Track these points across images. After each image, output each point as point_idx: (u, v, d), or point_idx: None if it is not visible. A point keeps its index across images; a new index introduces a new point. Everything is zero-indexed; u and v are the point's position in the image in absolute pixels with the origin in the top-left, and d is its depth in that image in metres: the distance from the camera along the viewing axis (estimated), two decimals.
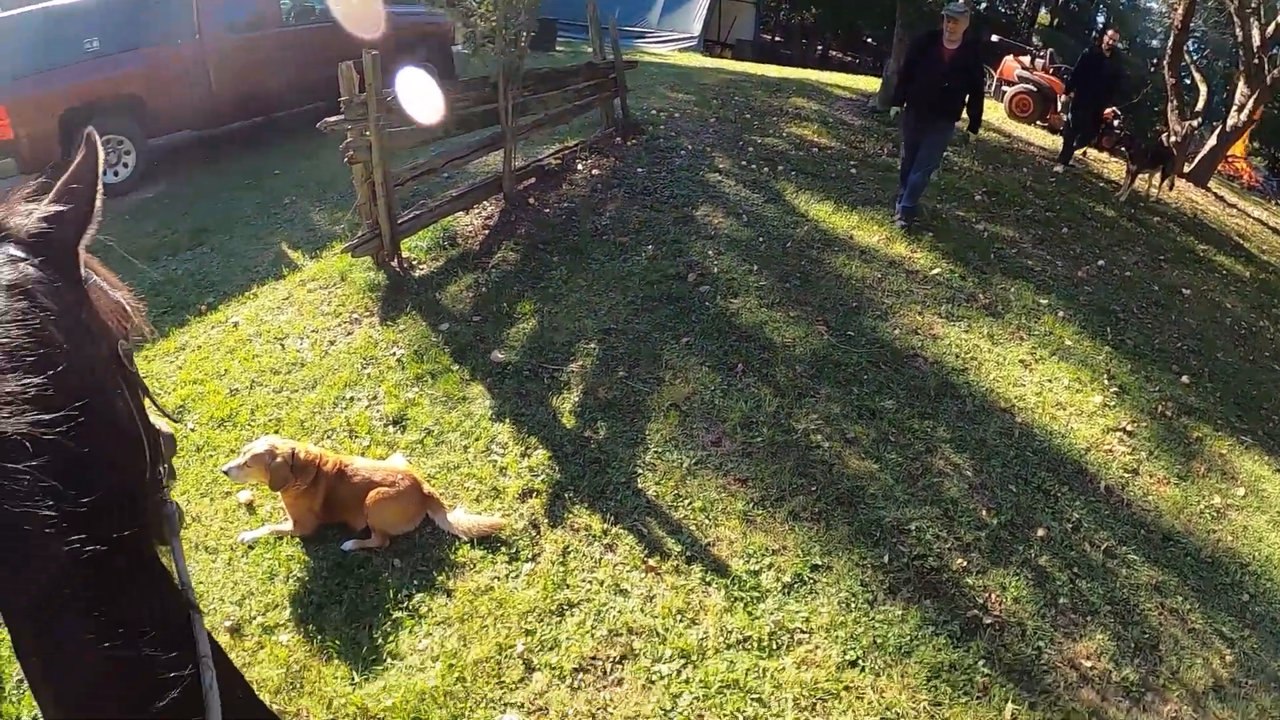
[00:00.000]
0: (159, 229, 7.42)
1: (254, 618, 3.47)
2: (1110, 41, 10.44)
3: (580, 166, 7.53)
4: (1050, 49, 13.36)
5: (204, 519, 3.96)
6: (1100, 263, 7.60)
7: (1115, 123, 10.25)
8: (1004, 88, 13.11)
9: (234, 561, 3.72)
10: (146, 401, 1.30)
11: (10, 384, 0.94)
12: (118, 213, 8.00)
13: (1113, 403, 5.47)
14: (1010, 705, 3.38)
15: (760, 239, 6.56)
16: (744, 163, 7.93)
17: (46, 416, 0.95)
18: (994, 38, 14.61)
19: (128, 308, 1.27)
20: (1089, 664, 3.65)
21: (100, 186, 1.17)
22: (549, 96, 7.25)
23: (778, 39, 22.83)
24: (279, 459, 3.54)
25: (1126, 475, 4.88)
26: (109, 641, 0.93)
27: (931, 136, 7.06)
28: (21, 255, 1.07)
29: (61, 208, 1.14)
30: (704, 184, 7.47)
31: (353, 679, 3.21)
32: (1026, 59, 13.05)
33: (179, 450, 4.46)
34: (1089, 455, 4.95)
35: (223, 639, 3.40)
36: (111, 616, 0.94)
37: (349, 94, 5.34)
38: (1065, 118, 11.11)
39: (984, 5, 18.87)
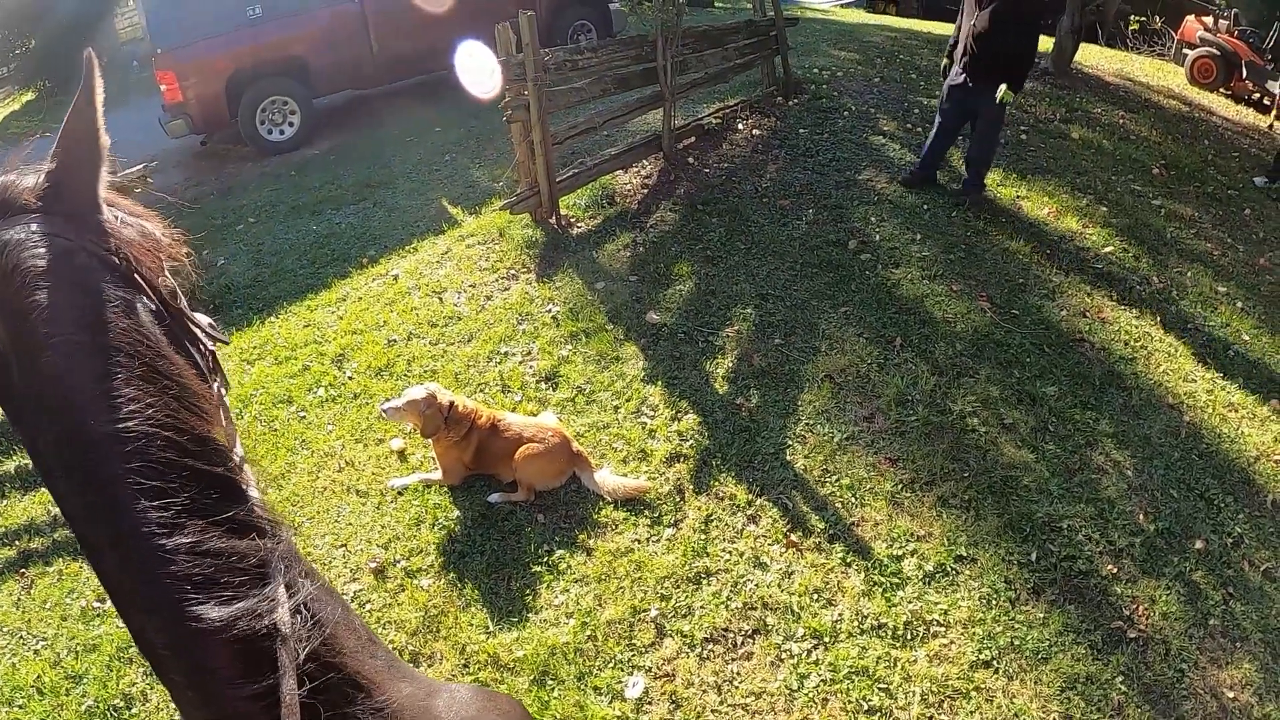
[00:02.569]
0: (324, 184, 7.86)
1: (398, 561, 3.66)
2: None
3: (741, 126, 7.42)
4: (1234, 9, 12.11)
5: (357, 464, 4.20)
6: None
7: None
8: (1185, 51, 11.98)
9: (383, 506, 3.94)
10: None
11: (83, 378, 0.92)
12: (285, 169, 8.51)
13: None
14: None
15: (924, 206, 6.31)
16: (909, 125, 7.61)
17: (128, 407, 0.92)
18: None
19: (159, 236, 1.15)
20: (1230, 694, 3.38)
21: (100, 122, 1.05)
22: (708, 55, 7.14)
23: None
24: (434, 407, 3.69)
25: None
26: (222, 613, 0.92)
27: (983, 105, 6.03)
28: (44, 229, 0.98)
29: (56, 163, 1.04)
30: (867, 146, 7.22)
31: (488, 627, 3.36)
32: (1209, 19, 11.88)
33: (338, 398, 4.73)
34: (1258, 464, 4.54)
35: (367, 580, 3.62)
36: (220, 584, 0.92)
37: (506, 54, 5.43)
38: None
39: None
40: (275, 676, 0.93)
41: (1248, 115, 10.67)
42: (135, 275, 1.03)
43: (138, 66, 14.89)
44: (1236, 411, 4.89)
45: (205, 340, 1.21)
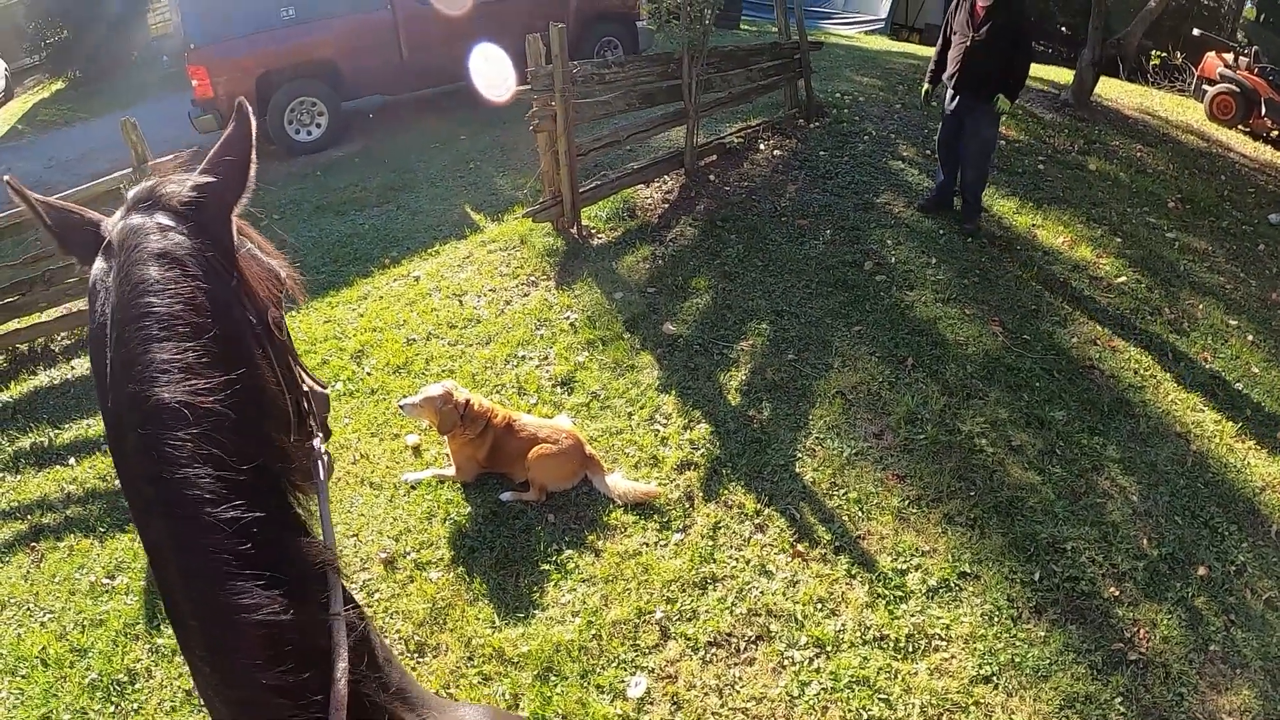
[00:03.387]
0: (350, 186, 8.00)
1: (408, 553, 3.74)
2: None
3: (762, 146, 7.52)
4: (1255, 46, 12.14)
5: (372, 457, 4.29)
6: None
7: None
8: (1204, 87, 12.00)
9: (395, 499, 4.02)
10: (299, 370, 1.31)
11: (165, 352, 0.96)
12: (311, 169, 8.66)
13: None
14: None
15: (940, 231, 6.38)
16: (928, 151, 7.69)
17: (202, 384, 0.96)
18: (1195, 32, 13.41)
19: (281, 274, 1.26)
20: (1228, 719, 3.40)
21: (254, 156, 1.16)
22: (733, 75, 7.24)
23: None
24: (451, 405, 3.77)
25: None
26: (262, 608, 0.93)
27: (972, 122, 6.12)
28: (171, 224, 1.06)
29: (212, 177, 1.13)
30: (886, 171, 7.31)
31: (494, 622, 3.42)
32: (1230, 56, 11.93)
33: (355, 393, 4.83)
34: (1264, 495, 4.57)
35: (376, 570, 3.69)
36: (263, 581, 0.94)
37: (535, 65, 5.54)
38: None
39: None
40: (307, 674, 0.94)
41: (1266, 152, 10.70)
42: (245, 294, 1.10)
43: (167, 62, 15.15)
44: (1244, 442, 4.92)
45: (307, 379, 1.30)
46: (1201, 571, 3.98)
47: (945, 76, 6.26)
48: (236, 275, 1.10)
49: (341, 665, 1.00)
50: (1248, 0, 17.57)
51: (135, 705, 3.24)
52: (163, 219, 1.06)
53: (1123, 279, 6.24)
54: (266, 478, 1.02)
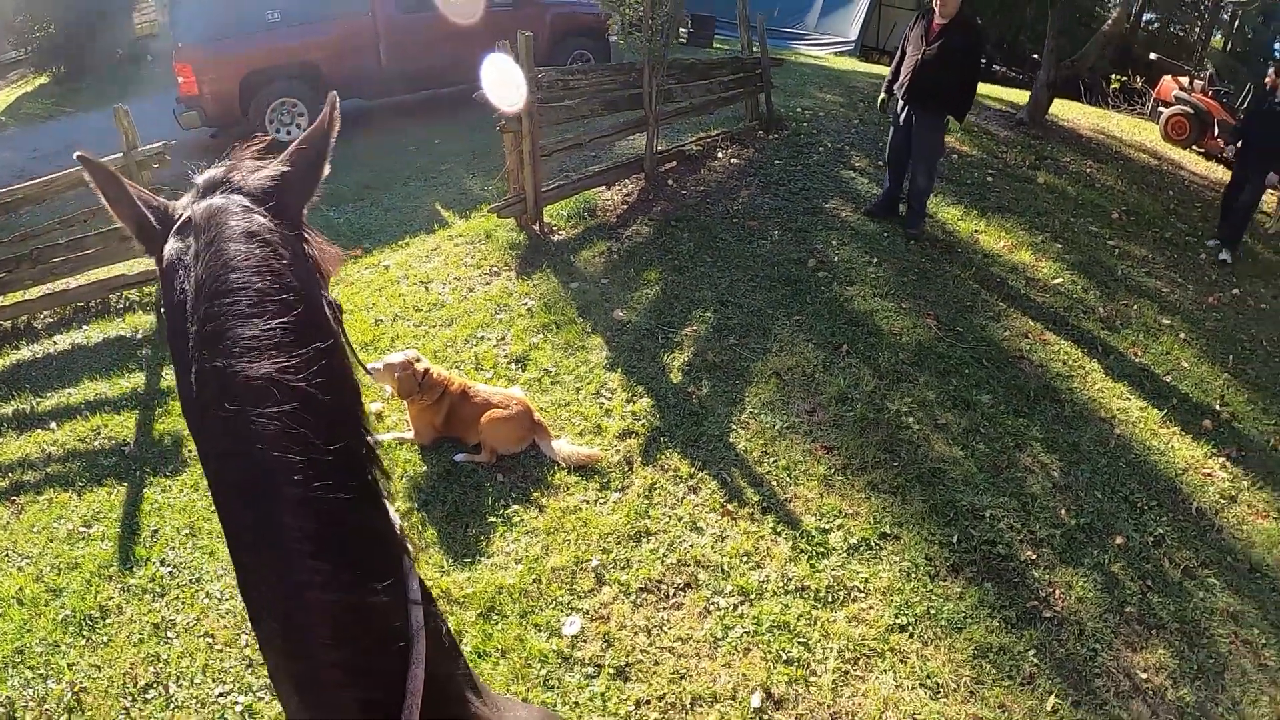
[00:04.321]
0: (327, 183, 8.07)
1: None
2: (1274, 80, 7.92)
3: (720, 155, 7.86)
4: (1211, 70, 12.66)
5: None
6: (1235, 291, 7.32)
7: None
8: (1160, 109, 12.51)
9: None
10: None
11: (254, 328, 0.96)
12: None
13: (1223, 429, 5.32)
14: (1053, 698, 3.40)
15: (884, 234, 6.71)
16: (880, 163, 8.02)
17: (290, 361, 0.96)
18: (1152, 56, 13.95)
19: (335, 262, 1.25)
20: (1144, 676, 3.60)
21: (329, 154, 1.19)
22: (694, 86, 7.61)
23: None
24: (410, 372, 4.05)
25: (1223, 501, 4.75)
26: (349, 590, 0.94)
27: (919, 131, 6.43)
28: (254, 206, 1.08)
29: (289, 168, 1.16)
30: (837, 180, 7.66)
31: (443, 566, 3.69)
32: (1185, 79, 12.45)
33: None
34: (1186, 476, 4.86)
35: None
36: (352, 563, 0.95)
37: None
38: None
39: (1155, 26, 17.97)
40: (386, 656, 0.97)
41: (1216, 171, 11.11)
42: (319, 274, 1.14)
43: (152, 61, 15.44)
44: (1168, 429, 5.20)
45: (359, 364, 1.31)
46: (1119, 541, 4.22)
47: (896, 87, 6.60)
48: (311, 258, 1.13)
49: (420, 648, 1.00)
50: (1215, 30, 18.21)
51: (105, 638, 3.48)
52: (245, 201, 1.08)
53: (1059, 280, 6.56)
54: (350, 458, 1.01)
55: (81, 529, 4.05)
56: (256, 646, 0.95)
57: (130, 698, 3.22)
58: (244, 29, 9.09)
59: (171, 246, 1.05)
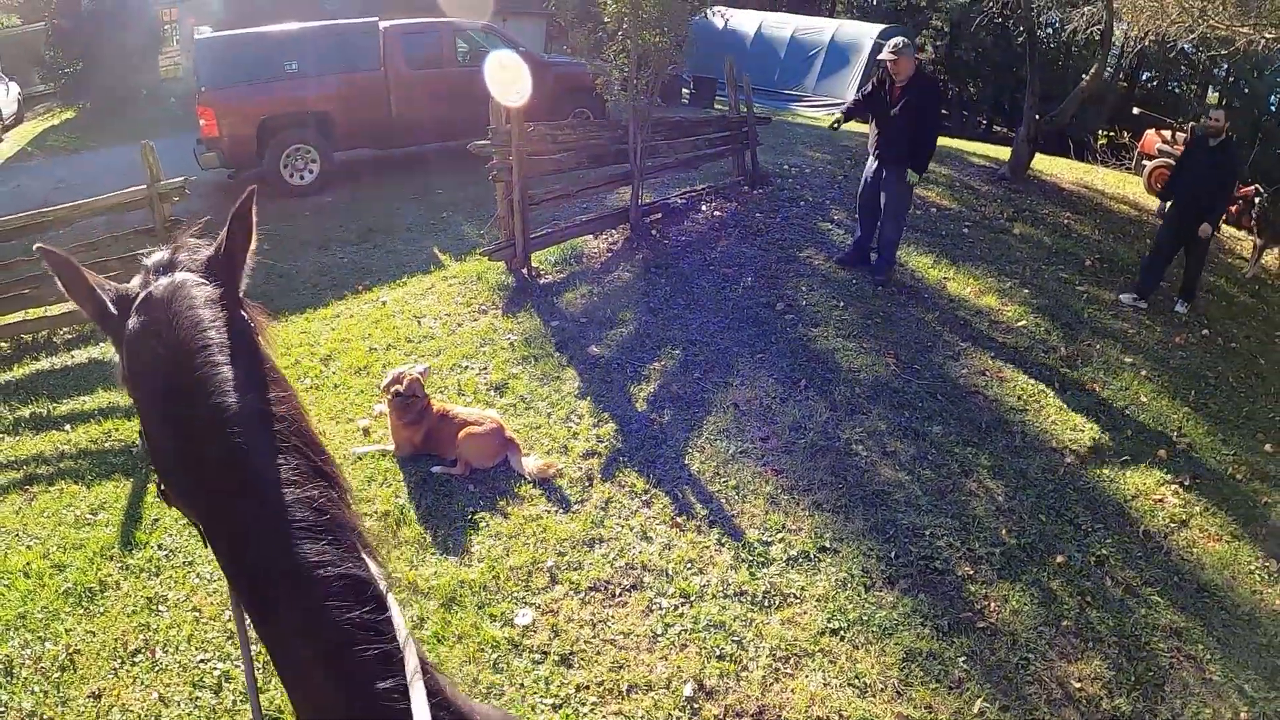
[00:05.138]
0: (333, 226, 8.97)
1: None
2: (1216, 124, 7.59)
3: (704, 208, 8.34)
4: (1194, 123, 13.06)
5: (328, 434, 4.98)
6: (1205, 332, 7.54)
7: (1257, 200, 9.90)
8: (1144, 161, 12.87)
9: (343, 467, 4.67)
10: None
11: (237, 372, 1.13)
12: (300, 210, 9.62)
13: (1178, 459, 5.48)
14: (981, 702, 3.56)
15: (853, 281, 7.09)
16: (856, 216, 8.45)
17: (270, 395, 1.15)
18: (1135, 110, 14.39)
19: (265, 324, 1.36)
20: (1078, 685, 3.74)
21: (254, 229, 1.29)
22: (679, 143, 8.12)
23: (943, 112, 23.19)
24: (424, 377, 4.68)
25: (1173, 525, 4.87)
26: (344, 603, 1.04)
27: (888, 185, 6.90)
28: (204, 281, 1.22)
29: (225, 247, 1.27)
30: (814, 231, 8.09)
31: (412, 561, 4.06)
32: (1168, 133, 12.82)
33: (321, 387, 5.56)
34: (1135, 502, 5.02)
35: None
36: (344, 580, 1.06)
37: (496, 123, 6.39)
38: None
39: (1153, 84, 18.50)
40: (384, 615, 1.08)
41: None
42: (259, 337, 1.27)
43: (175, 103, 16.29)
44: (1119, 458, 5.39)
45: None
46: (1060, 559, 4.40)
47: (869, 146, 7.08)
48: (254, 322, 1.27)
49: (397, 615, 1.12)
50: (1210, 87, 18.65)
51: (102, 609, 3.86)
52: (195, 277, 1.22)
53: (1023, 323, 6.87)
54: (327, 472, 1.17)
55: (88, 515, 4.47)
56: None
57: (120, 660, 3.59)
58: (264, 77, 9.82)
59: (137, 320, 1.19)
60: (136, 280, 1.27)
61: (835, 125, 7.43)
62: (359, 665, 1.03)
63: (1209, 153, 7.54)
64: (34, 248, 1.33)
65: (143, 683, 3.49)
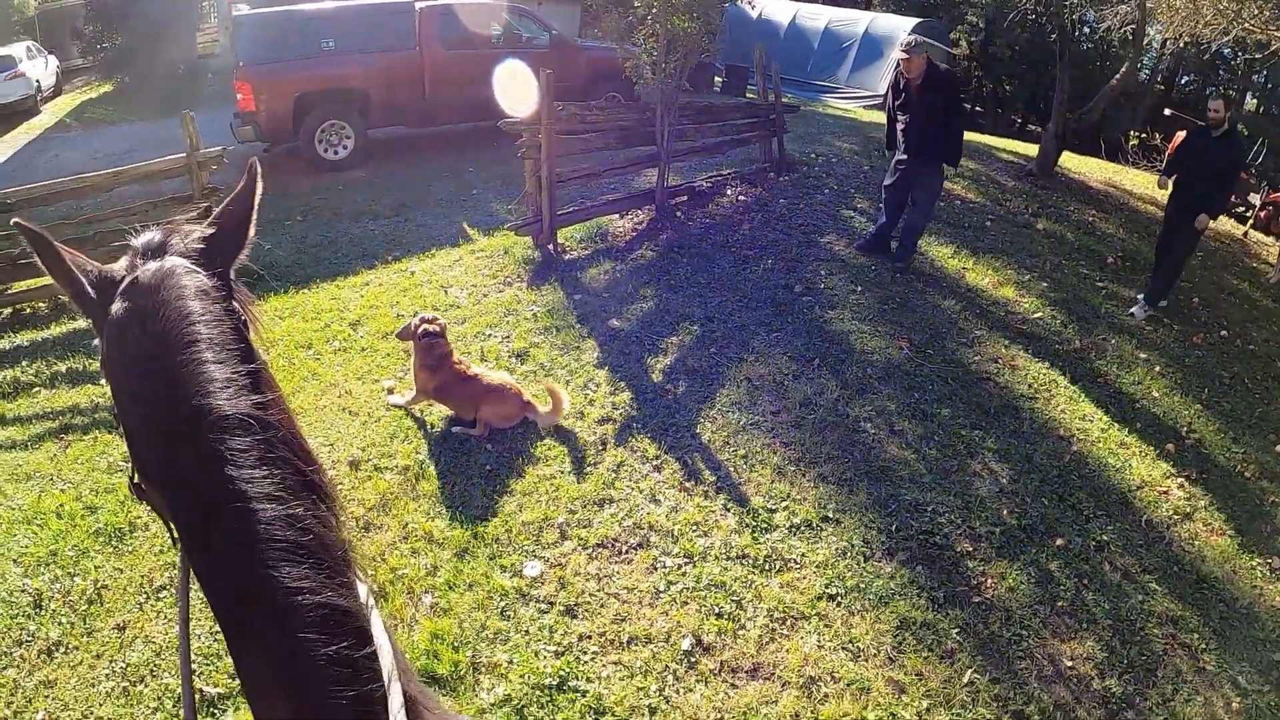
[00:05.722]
0: (366, 199, 9.25)
1: (370, 459, 4.63)
2: (1217, 114, 7.32)
3: (729, 192, 8.48)
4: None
5: (354, 393, 5.23)
6: (1223, 333, 7.56)
7: None
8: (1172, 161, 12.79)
9: (368, 423, 4.93)
10: None
11: (223, 371, 1.06)
12: (334, 184, 9.90)
13: (1186, 453, 5.52)
14: (971, 673, 3.66)
15: (872, 266, 7.20)
16: (880, 204, 8.54)
17: (259, 398, 1.07)
18: (1166, 112, 14.28)
19: (256, 315, 1.31)
20: (1069, 664, 3.83)
21: (254, 216, 1.25)
22: (707, 128, 8.25)
23: (977, 109, 23.12)
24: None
25: (1176, 517, 4.91)
26: (324, 590, 1.00)
27: (919, 179, 7.01)
28: (195, 268, 1.16)
29: (218, 230, 1.23)
30: (837, 218, 8.20)
31: (428, 513, 4.27)
32: None
33: (349, 349, 5.78)
34: (1140, 492, 5.07)
35: (343, 469, 4.56)
36: (324, 609, 1.00)
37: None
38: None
39: (1191, 88, 18.34)
40: (365, 649, 1.03)
41: (1225, 224, 11.36)
42: (246, 326, 1.21)
43: (212, 79, 16.66)
44: (1127, 448, 5.44)
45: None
46: (1060, 542, 4.48)
47: (892, 141, 7.18)
48: (240, 312, 1.20)
49: (380, 632, 1.09)
50: (1250, 94, 18.46)
51: (130, 548, 4.12)
52: (186, 263, 1.16)
53: (1039, 315, 6.93)
54: (313, 483, 1.11)
55: (120, 463, 4.73)
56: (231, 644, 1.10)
57: (145, 595, 3.84)
58: (301, 54, 10.09)
59: (121, 306, 1.11)
60: (123, 262, 1.19)
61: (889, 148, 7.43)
62: (330, 706, 0.97)
63: (1212, 143, 7.35)
64: (11, 222, 1.24)
65: (166, 616, 3.72)
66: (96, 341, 1.15)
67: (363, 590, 1.12)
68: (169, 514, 1.12)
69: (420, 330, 4.80)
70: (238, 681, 3.13)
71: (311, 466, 1.12)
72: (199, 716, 3.24)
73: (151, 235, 1.20)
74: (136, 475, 1.19)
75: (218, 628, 1.25)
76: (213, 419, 1.02)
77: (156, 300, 1.09)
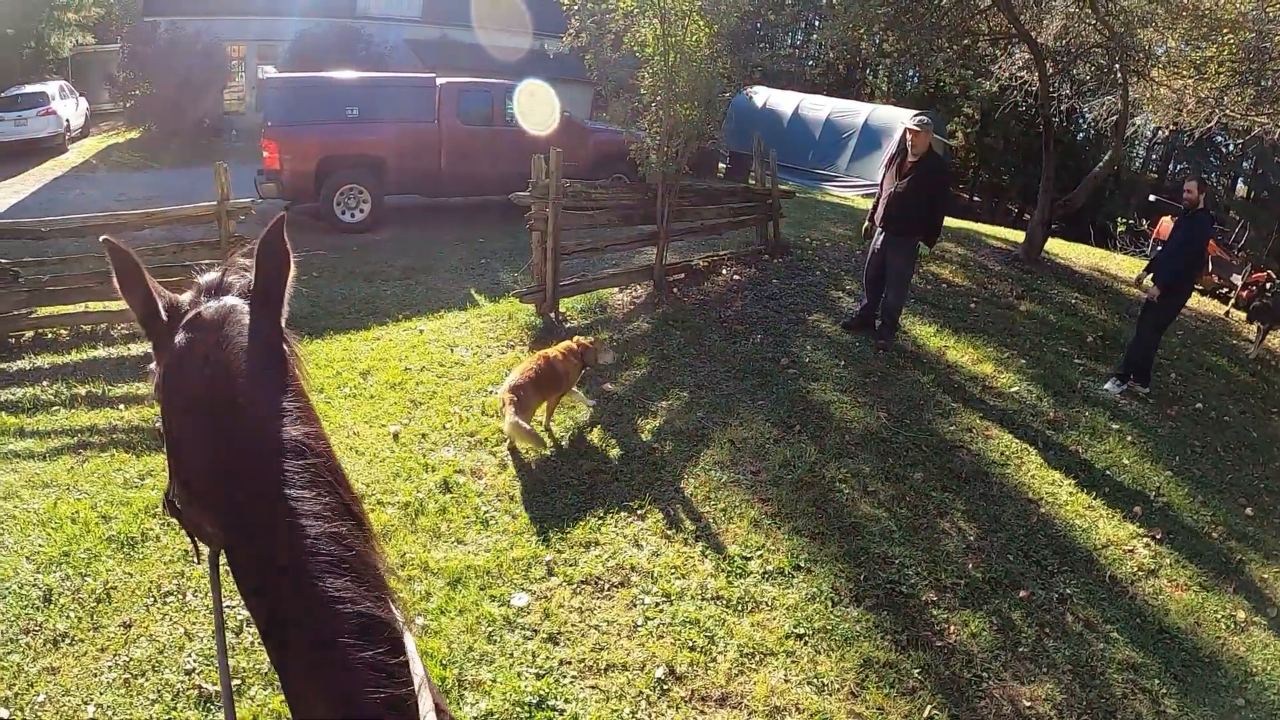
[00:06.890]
0: (380, 262, 9.84)
1: (373, 494, 4.98)
2: (1190, 195, 7.42)
3: (725, 271, 8.97)
4: (1211, 211, 13.42)
5: (361, 435, 5.62)
6: (1198, 405, 7.80)
7: (1269, 286, 10.15)
8: (1158, 246, 13.23)
9: (373, 462, 5.30)
10: None
11: (285, 402, 1.18)
12: (350, 245, 10.48)
13: (1154, 515, 5.73)
14: (931, 708, 3.86)
15: (856, 344, 7.59)
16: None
17: (309, 429, 1.17)
18: (1151, 197, 14.79)
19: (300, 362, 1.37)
20: (1028, 704, 4.01)
21: (292, 267, 1.31)
22: (705, 209, 8.79)
23: (975, 199, 23.90)
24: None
25: (1141, 574, 5.11)
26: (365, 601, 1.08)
27: (893, 255, 7.29)
28: (252, 307, 1.25)
29: (266, 272, 1.29)
30: (826, 298, 8.66)
31: (425, 545, 4.60)
32: None
33: (358, 396, 6.19)
34: (1106, 551, 5.27)
35: None
36: (362, 619, 1.07)
37: (537, 177, 7.11)
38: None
39: (1184, 175, 19.01)
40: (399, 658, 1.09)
41: (1207, 305, 11.71)
42: (298, 370, 1.29)
43: (235, 135, 17.35)
44: (1095, 511, 5.68)
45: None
46: (1023, 594, 4.71)
47: (873, 217, 7.59)
48: (293, 354, 1.29)
49: (411, 646, 1.13)
50: (1240, 181, 19.08)
51: (141, 555, 4.45)
52: (245, 305, 1.25)
53: (1015, 389, 7.26)
54: (354, 511, 1.19)
55: (136, 479, 5.10)
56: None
57: (153, 598, 4.15)
58: (325, 119, 10.74)
59: (185, 338, 1.22)
60: (187, 296, 1.30)
61: (867, 233, 7.80)
62: (365, 708, 1.03)
63: (1181, 221, 7.63)
64: (100, 239, 1.31)
65: (171, 619, 4.03)
66: (153, 365, 1.28)
67: (398, 614, 1.18)
68: (210, 527, 1.22)
69: (582, 348, 5.74)
70: (237, 681, 3.45)
71: (350, 495, 1.20)
72: (201, 713, 3.54)
73: (214, 274, 1.33)
74: (174, 493, 1.31)
75: (227, 630, 1.44)
76: (271, 446, 1.13)
77: (220, 335, 1.20)
